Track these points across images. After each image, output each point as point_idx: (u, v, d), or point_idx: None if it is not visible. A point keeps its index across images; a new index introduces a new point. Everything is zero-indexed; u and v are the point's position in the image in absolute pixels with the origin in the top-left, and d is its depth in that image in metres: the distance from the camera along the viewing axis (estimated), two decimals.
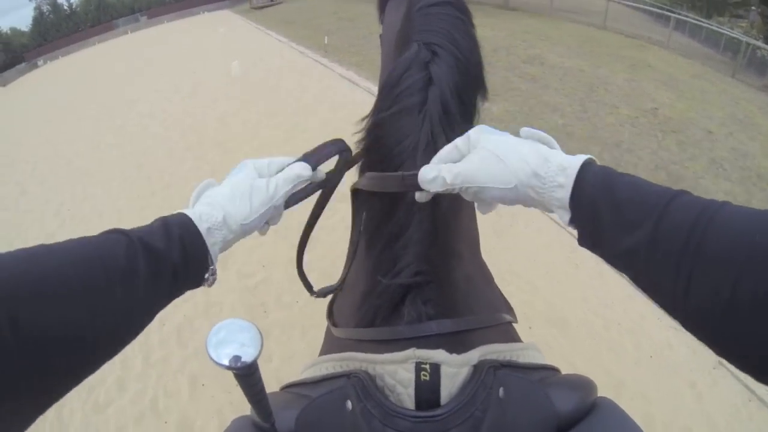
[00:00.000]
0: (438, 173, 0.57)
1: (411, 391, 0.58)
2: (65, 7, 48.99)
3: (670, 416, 2.47)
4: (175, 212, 0.58)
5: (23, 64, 38.40)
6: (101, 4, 48.46)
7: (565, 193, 0.50)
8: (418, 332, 0.65)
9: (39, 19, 47.78)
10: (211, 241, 0.58)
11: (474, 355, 0.62)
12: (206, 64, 12.11)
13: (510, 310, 0.88)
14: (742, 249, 0.37)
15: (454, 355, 0.60)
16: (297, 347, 3.02)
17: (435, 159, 0.61)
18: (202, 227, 0.57)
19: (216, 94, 8.94)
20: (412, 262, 0.67)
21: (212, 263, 0.59)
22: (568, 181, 0.50)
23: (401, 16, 0.82)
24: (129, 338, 0.50)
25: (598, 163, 0.52)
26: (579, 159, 0.51)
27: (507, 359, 0.67)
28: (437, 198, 0.67)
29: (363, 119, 0.77)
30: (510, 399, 0.58)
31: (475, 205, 0.65)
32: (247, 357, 0.43)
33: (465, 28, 0.77)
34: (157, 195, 5.66)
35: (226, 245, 0.62)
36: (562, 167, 0.51)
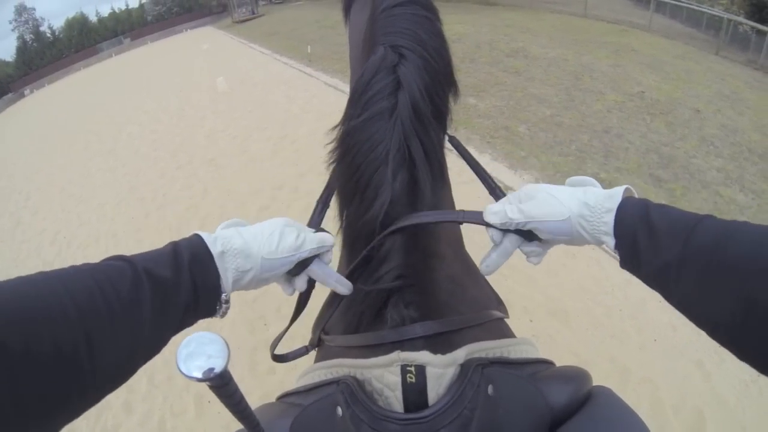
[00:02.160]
0: (502, 208, 0.63)
1: (398, 393, 0.58)
2: (48, 35, 49.13)
3: (678, 399, 2.45)
4: (190, 234, 0.57)
5: (10, 95, 38.46)
6: (84, 28, 48.63)
7: (611, 218, 0.55)
8: (402, 335, 0.64)
9: (23, 48, 47.88)
10: (224, 267, 0.56)
11: (460, 354, 0.61)
12: (192, 81, 12.13)
13: (500, 305, 0.87)
14: (759, 261, 0.40)
15: (439, 355, 0.60)
16: (300, 359, 2.98)
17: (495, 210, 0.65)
18: (215, 250, 0.56)
19: (203, 112, 8.94)
20: (393, 267, 0.67)
21: (224, 291, 0.57)
22: (614, 206, 0.55)
23: (366, 18, 0.82)
24: (134, 368, 0.49)
25: (627, 185, 0.57)
26: (620, 188, 0.56)
27: (497, 356, 0.67)
28: (415, 202, 0.68)
29: (334, 128, 0.76)
30: (500, 396, 0.58)
31: (527, 256, 0.69)
32: (218, 367, 0.43)
33: (432, 26, 0.76)
34: (151, 216, 5.66)
35: (244, 279, 0.59)
36: (608, 196, 0.56)
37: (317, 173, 5.00)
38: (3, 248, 6.67)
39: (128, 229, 5.56)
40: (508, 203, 0.65)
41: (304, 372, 0.75)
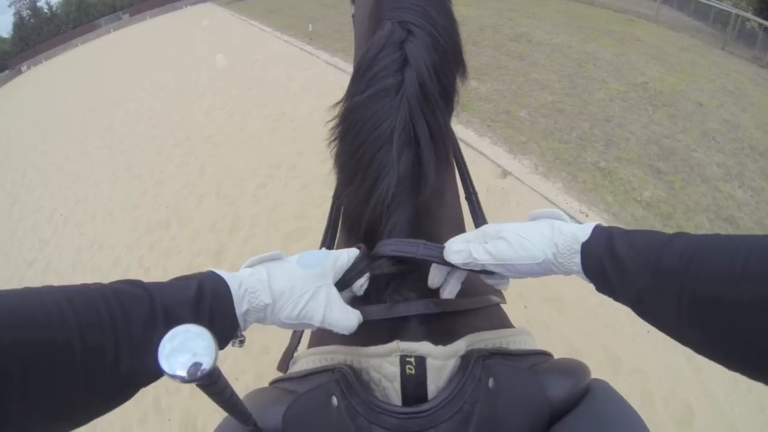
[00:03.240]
0: (465, 247, 0.61)
1: (397, 385, 0.57)
2: (45, 10, 48.48)
3: (668, 391, 2.47)
4: (216, 273, 0.54)
5: (6, 71, 38.14)
6: (82, 4, 47.89)
7: (579, 258, 0.55)
8: (408, 311, 0.63)
9: (19, 24, 47.25)
10: (244, 319, 0.55)
11: (461, 345, 0.60)
12: (191, 58, 11.99)
13: (497, 291, 0.86)
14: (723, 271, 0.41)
15: (440, 346, 0.58)
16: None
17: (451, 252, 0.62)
18: (240, 310, 0.54)
19: (202, 89, 8.87)
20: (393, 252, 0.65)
21: (241, 334, 0.56)
22: (578, 246, 0.55)
23: None
24: (132, 394, 0.47)
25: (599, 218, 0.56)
26: (589, 226, 0.56)
27: (496, 346, 0.66)
28: (419, 184, 0.66)
29: (337, 104, 0.73)
30: (500, 389, 0.56)
31: (487, 279, 0.66)
32: (206, 365, 0.39)
33: (441, 4, 0.74)
34: (148, 194, 5.64)
35: (260, 322, 0.58)
36: (574, 236, 0.56)
37: (316, 152, 5.00)
38: (0, 227, 6.66)
39: (125, 206, 5.55)
40: (472, 242, 0.62)
41: (299, 356, 0.73)
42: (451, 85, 0.74)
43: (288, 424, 0.58)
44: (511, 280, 0.67)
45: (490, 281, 0.66)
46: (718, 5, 11.11)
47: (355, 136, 0.68)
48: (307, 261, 0.60)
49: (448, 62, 0.71)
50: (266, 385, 0.73)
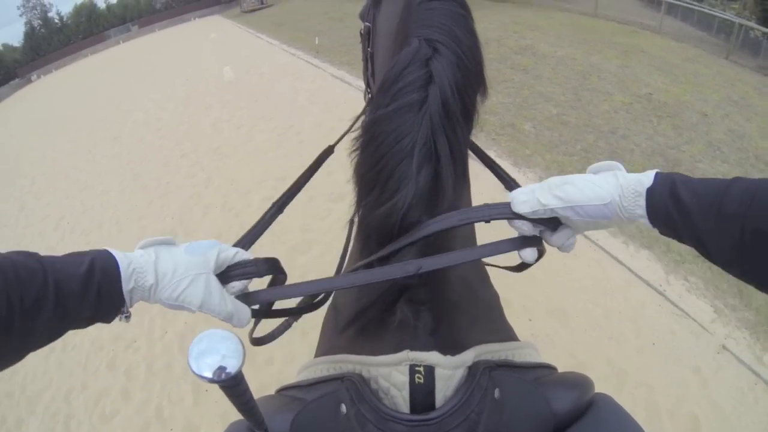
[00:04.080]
0: (532, 196, 0.62)
1: (405, 394, 0.57)
2: (56, 21, 49.02)
3: (675, 404, 2.45)
4: (109, 251, 0.57)
5: (17, 80, 38.49)
6: (92, 15, 48.49)
7: (644, 201, 0.56)
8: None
9: (30, 33, 47.79)
10: (130, 297, 0.58)
11: (469, 356, 0.61)
12: (199, 70, 12.11)
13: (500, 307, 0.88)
14: None
15: (449, 356, 0.59)
16: (298, 349, 3.01)
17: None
18: (126, 287, 0.57)
19: (209, 100, 8.94)
20: (408, 264, 0.65)
21: (127, 311, 0.59)
22: (643, 190, 0.56)
23: (400, 10, 0.81)
24: (21, 357, 0.51)
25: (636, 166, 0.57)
26: (651, 173, 0.58)
27: (502, 358, 0.67)
28: (436, 199, 0.67)
29: (359, 116, 0.75)
30: (505, 400, 0.57)
31: (560, 248, 0.68)
32: (231, 368, 0.41)
33: (467, 24, 0.75)
34: (154, 204, 5.68)
35: (145, 301, 0.61)
36: (638, 180, 0.57)
37: (322, 165, 4.95)
38: (7, 233, 6.72)
39: (131, 216, 5.58)
40: (538, 191, 0.63)
41: (306, 365, 0.74)
42: (472, 104, 0.75)
43: (296, 430, 0.59)
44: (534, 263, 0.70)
45: (555, 239, 0.67)
46: (721, 15, 11.13)
47: (377, 148, 0.69)
48: (194, 249, 0.63)
49: (470, 81, 0.72)
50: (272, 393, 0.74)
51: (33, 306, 0.48)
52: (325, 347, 0.83)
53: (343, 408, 0.57)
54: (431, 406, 0.56)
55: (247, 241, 0.79)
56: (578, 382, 0.67)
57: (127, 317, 0.60)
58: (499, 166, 0.89)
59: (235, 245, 0.73)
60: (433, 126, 0.66)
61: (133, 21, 46.87)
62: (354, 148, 0.75)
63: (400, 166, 0.66)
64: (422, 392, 0.57)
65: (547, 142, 4.98)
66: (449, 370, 0.58)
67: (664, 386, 2.54)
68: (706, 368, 2.62)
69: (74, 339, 3.89)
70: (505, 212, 0.65)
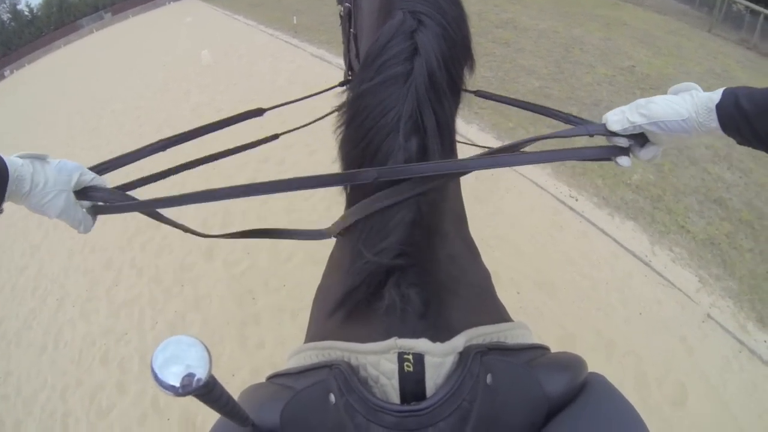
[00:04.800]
0: (622, 116, 0.74)
1: (395, 382, 0.56)
2: (26, 13, 47.52)
3: (662, 372, 2.50)
4: (2, 158, 0.64)
5: None
6: (63, 4, 46.99)
7: (715, 115, 0.66)
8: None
9: (0, 28, 46.37)
10: (6, 195, 0.66)
11: (459, 342, 0.60)
12: (176, 55, 11.86)
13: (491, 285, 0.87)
14: None
15: (438, 343, 0.58)
16: (288, 331, 3.03)
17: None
18: (10, 188, 0.66)
19: (188, 86, 8.77)
20: (395, 242, 0.64)
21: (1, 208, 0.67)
22: (713, 105, 0.66)
23: None
24: None
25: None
26: (720, 90, 0.67)
27: (494, 341, 0.66)
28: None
29: (343, 91, 0.73)
30: (498, 385, 0.57)
31: (649, 159, 0.78)
32: (201, 375, 0.39)
33: None
34: (136, 192, 5.54)
35: (16, 203, 0.70)
36: (709, 97, 0.67)
37: (304, 144, 4.95)
38: None
39: None
40: (627, 111, 0.74)
41: (296, 351, 0.73)
42: (459, 77, 0.73)
43: (286, 420, 0.58)
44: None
45: (643, 153, 0.76)
46: None
47: (362, 123, 0.67)
48: (62, 168, 0.72)
49: (457, 53, 0.71)
50: (263, 380, 0.73)
51: None
52: (313, 332, 0.81)
53: (332, 397, 0.56)
54: (422, 395, 0.56)
55: (113, 165, 0.87)
56: (571, 363, 0.67)
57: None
58: (549, 109, 1.01)
59: (100, 166, 0.85)
60: (419, 98, 0.65)
61: (105, 8, 45.50)
62: (338, 124, 0.73)
63: (386, 140, 0.65)
64: (412, 381, 0.56)
65: (530, 115, 4.94)
66: (439, 358, 0.57)
67: (652, 355, 2.59)
68: (692, 337, 2.68)
69: (65, 336, 3.86)
70: (601, 129, 0.77)
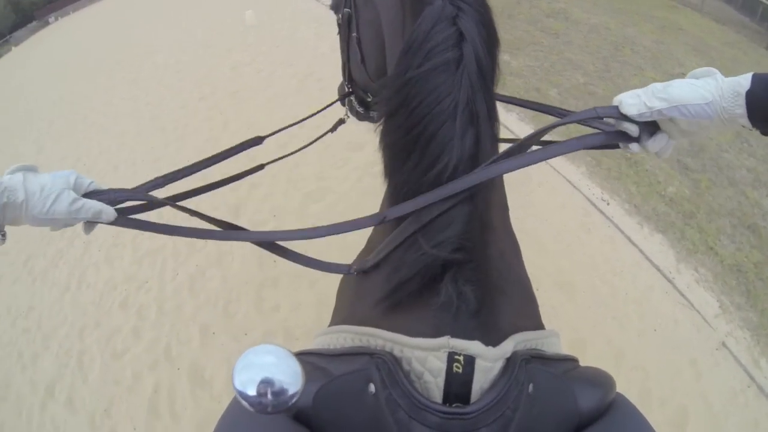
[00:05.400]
0: (637, 99, 0.66)
1: (440, 381, 0.56)
2: None
3: (667, 392, 2.47)
4: None
5: (34, 23, 38.11)
6: None
7: (743, 101, 0.59)
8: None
9: None
10: (3, 215, 0.65)
11: (509, 347, 0.59)
12: (219, 13, 11.82)
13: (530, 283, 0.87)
14: None
15: (490, 347, 0.57)
16: (304, 298, 3.07)
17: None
18: None
19: (230, 44, 8.75)
20: (453, 236, 0.63)
21: (2, 229, 0.67)
22: (743, 90, 0.59)
23: None
24: None
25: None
26: (748, 75, 0.61)
27: (534, 348, 0.66)
28: (476, 163, 0.66)
29: (384, 80, 0.72)
30: (538, 395, 0.56)
31: (659, 153, 0.71)
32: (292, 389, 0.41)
33: None
34: (171, 146, 5.66)
35: (18, 224, 0.68)
36: (737, 81, 0.61)
37: (340, 113, 4.86)
38: None
39: (147, 158, 5.59)
40: (642, 95, 0.66)
41: (326, 331, 0.72)
42: (497, 63, 0.73)
43: (319, 404, 0.58)
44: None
45: (652, 144, 0.70)
46: (767, 1, 10.62)
47: (413, 111, 0.66)
48: (56, 174, 0.71)
49: (494, 39, 0.71)
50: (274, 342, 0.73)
51: None
52: (348, 314, 0.80)
53: (372, 388, 0.55)
54: (466, 398, 0.55)
55: (140, 190, 0.86)
56: (603, 381, 0.66)
57: (3, 236, 0.68)
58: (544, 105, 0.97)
59: (132, 190, 0.83)
60: (473, 85, 0.64)
61: None
62: (380, 114, 0.72)
63: (442, 129, 0.64)
64: (458, 382, 0.55)
65: (571, 110, 4.82)
66: (490, 362, 0.56)
67: (659, 374, 2.55)
68: (703, 362, 2.63)
69: (89, 278, 3.99)
70: (613, 113, 0.70)
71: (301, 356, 0.66)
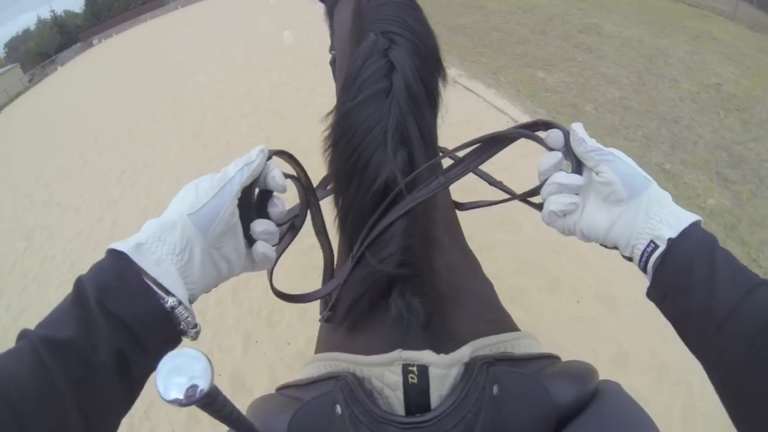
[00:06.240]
0: (587, 138, 0.60)
1: (400, 394, 0.58)
2: None
3: (711, 408, 2.37)
4: (115, 249, 0.46)
5: (79, 44, 39.92)
6: None
7: (671, 233, 0.53)
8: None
9: (91, 0, 49.35)
10: (150, 261, 0.46)
11: (464, 353, 0.60)
12: (258, 34, 12.19)
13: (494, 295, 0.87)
14: None
15: (442, 355, 0.59)
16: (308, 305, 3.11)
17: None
18: (128, 246, 0.45)
19: (269, 64, 8.99)
20: (394, 252, 0.64)
21: (172, 296, 0.47)
22: (679, 225, 0.53)
23: (351, 13, 0.84)
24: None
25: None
26: (689, 219, 0.54)
27: (501, 351, 0.66)
28: (413, 180, 0.66)
29: (328, 114, 0.76)
30: (505, 396, 0.57)
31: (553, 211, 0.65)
32: (203, 385, 0.39)
33: (416, 14, 0.77)
34: (214, 161, 5.85)
35: (192, 262, 0.51)
36: (682, 211, 0.55)
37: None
38: (71, 185, 7.17)
39: (190, 172, 5.77)
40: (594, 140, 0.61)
41: (307, 362, 0.74)
42: (435, 88, 0.76)
43: (294, 430, 0.59)
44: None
45: (564, 201, 0.63)
46: None
47: (349, 141, 0.68)
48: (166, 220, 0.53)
49: (429, 66, 0.74)
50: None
51: (36, 387, 0.37)
52: (321, 343, 0.84)
53: (338, 409, 0.56)
54: (426, 407, 0.56)
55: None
56: (581, 372, 0.65)
57: (196, 331, 0.51)
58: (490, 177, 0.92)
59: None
60: (402, 111, 0.66)
61: None
62: (326, 147, 0.75)
63: (375, 155, 0.66)
64: (416, 392, 0.57)
65: (608, 126, 4.84)
66: (443, 369, 0.57)
67: (704, 388, 2.43)
68: None
69: None
70: (562, 132, 0.63)
71: (281, 390, 0.70)
